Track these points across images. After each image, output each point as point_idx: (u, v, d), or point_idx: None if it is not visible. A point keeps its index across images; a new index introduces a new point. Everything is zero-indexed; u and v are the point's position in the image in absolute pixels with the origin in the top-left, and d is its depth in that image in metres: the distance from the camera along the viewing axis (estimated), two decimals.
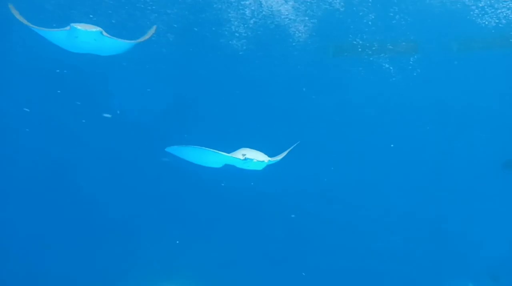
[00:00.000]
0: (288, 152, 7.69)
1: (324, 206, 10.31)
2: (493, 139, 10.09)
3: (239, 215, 10.10)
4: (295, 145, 7.82)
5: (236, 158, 6.82)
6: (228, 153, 7.16)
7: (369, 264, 10.24)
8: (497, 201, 10.27)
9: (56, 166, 9.88)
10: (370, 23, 8.98)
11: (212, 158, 7.01)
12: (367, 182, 10.28)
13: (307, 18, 8.93)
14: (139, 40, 7.71)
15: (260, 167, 6.93)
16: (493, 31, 8.83)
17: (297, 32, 9.17)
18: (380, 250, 10.22)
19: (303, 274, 10.11)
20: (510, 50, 9.23)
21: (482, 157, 10.18)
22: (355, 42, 9.36)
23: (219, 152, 6.80)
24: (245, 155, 6.80)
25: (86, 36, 6.16)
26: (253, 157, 6.78)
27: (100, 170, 9.97)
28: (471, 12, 8.55)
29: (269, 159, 6.99)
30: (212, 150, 6.73)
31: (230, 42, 9.14)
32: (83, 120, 9.79)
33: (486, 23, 8.68)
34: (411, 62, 9.63)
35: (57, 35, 6.66)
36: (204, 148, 6.68)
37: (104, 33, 6.32)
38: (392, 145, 10.25)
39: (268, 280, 9.97)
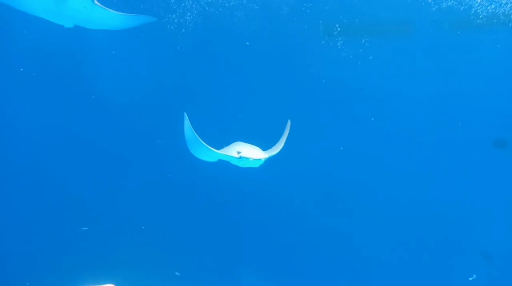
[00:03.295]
0: (284, 143, 7.27)
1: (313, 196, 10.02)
2: (484, 118, 9.95)
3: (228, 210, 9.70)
4: (287, 129, 7.43)
5: (231, 156, 6.30)
6: (221, 145, 6.71)
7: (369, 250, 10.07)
8: (488, 180, 10.14)
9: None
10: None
11: (206, 152, 6.46)
12: (358, 168, 10.00)
13: None
14: (132, 14, 7.10)
15: (256, 165, 6.42)
16: (483, 9, 8.67)
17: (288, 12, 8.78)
18: (376, 235, 10.09)
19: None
20: (498, 30, 9.07)
21: (472, 137, 10.02)
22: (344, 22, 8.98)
23: (213, 149, 6.28)
24: (240, 153, 6.27)
25: (76, 2, 5.47)
26: (249, 155, 6.26)
27: (89, 163, 9.28)
28: None
29: (266, 156, 6.50)
30: (207, 145, 6.20)
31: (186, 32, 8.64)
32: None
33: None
34: (400, 44, 9.40)
35: (41, 1, 5.94)
36: (201, 140, 6.14)
37: (96, 1, 5.67)
38: (372, 118, 9.93)
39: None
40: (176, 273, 9.17)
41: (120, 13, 6.53)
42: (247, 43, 8.96)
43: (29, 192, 8.99)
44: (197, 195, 9.41)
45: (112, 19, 6.44)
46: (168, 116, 6.74)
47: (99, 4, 5.72)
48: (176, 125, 6.30)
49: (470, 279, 10.15)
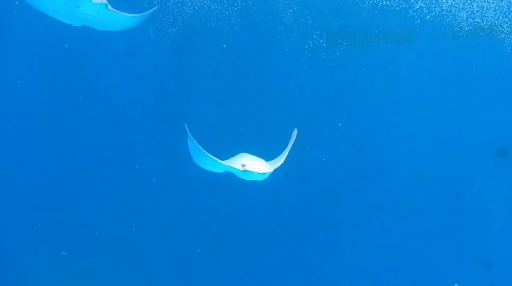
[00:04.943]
0: (287, 153, 7.20)
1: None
2: (485, 127, 10.06)
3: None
4: (293, 139, 7.35)
5: (235, 168, 6.27)
6: (226, 156, 6.65)
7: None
8: (489, 189, 10.35)
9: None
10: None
11: (210, 163, 6.42)
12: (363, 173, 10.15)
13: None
14: (142, 14, 6.94)
15: (261, 178, 6.38)
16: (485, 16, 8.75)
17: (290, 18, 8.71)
18: (376, 237, 10.28)
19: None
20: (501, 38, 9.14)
21: (474, 146, 10.14)
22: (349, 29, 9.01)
23: (218, 159, 6.23)
24: (244, 166, 6.24)
25: (90, 7, 5.35)
26: (253, 169, 6.23)
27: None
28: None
29: (270, 170, 6.46)
30: (211, 156, 6.14)
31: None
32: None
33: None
34: (404, 50, 9.45)
35: (54, 3, 5.81)
36: (205, 152, 6.09)
37: (110, 7, 5.54)
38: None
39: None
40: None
41: (131, 14, 6.42)
42: (224, 45, 8.88)
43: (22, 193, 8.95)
44: (190, 200, 9.39)
45: (123, 21, 6.32)
46: (177, 125, 6.65)
47: (112, 9, 5.60)
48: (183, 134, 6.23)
49: None
